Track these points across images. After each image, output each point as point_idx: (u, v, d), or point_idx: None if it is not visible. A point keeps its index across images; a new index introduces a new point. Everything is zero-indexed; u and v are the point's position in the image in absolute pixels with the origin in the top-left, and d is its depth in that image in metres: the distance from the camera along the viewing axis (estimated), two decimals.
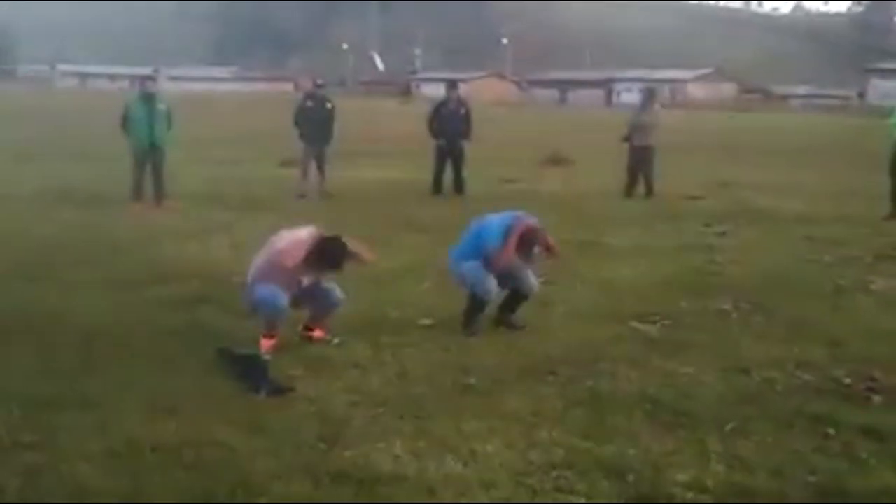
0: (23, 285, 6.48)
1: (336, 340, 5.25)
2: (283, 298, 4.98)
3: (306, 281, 5.13)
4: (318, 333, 5.28)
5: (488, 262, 5.45)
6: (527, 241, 5.41)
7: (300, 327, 5.31)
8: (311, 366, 4.76)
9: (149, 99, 10.43)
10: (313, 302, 5.27)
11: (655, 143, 12.76)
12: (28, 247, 8.03)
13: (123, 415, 3.98)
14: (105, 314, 5.75)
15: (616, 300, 6.45)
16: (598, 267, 7.66)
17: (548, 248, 5.64)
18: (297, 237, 5.03)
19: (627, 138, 12.87)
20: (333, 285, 5.29)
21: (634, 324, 5.75)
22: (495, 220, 5.53)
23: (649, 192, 12.57)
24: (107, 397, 4.21)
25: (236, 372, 4.54)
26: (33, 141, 20.26)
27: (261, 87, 71.29)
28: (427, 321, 5.66)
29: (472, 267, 5.51)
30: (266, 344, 4.95)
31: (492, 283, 5.49)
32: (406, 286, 6.77)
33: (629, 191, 12.62)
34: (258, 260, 5.14)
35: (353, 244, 5.08)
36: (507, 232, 5.37)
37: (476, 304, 5.53)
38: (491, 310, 5.67)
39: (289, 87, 77.66)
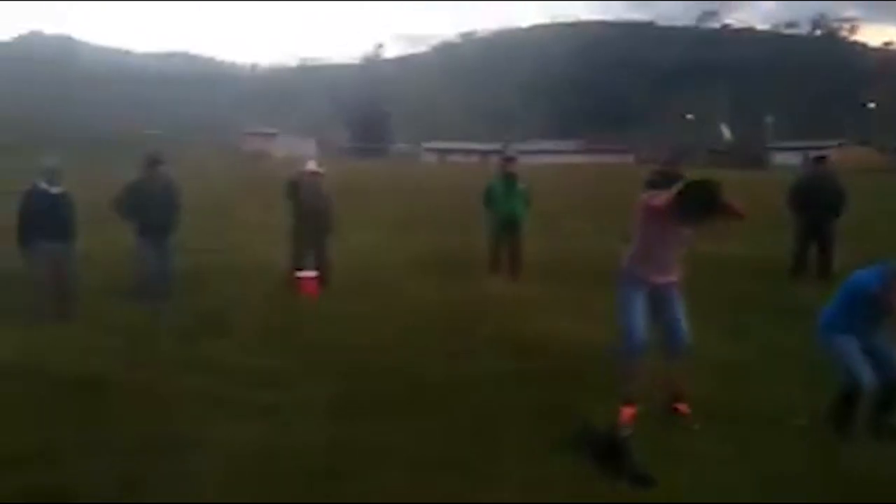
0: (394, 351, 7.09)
1: (697, 426, 5.08)
2: (641, 329, 4.93)
3: (676, 246, 5.04)
4: (683, 408, 5.16)
5: (862, 316, 4.93)
6: None
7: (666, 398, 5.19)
8: (670, 457, 4.63)
9: (509, 178, 11.10)
10: (664, 325, 5.14)
11: None
12: (403, 314, 8.82)
13: (492, 483, 4.18)
14: (461, 383, 6.10)
15: None
16: None
17: None
18: None
19: None
20: (682, 318, 5.13)
21: None
22: (868, 269, 5.01)
23: None
24: (469, 462, 4.47)
25: (596, 453, 4.55)
26: (403, 212, 22.56)
27: (604, 158, 72.50)
28: (798, 420, 5.23)
29: (844, 343, 4.98)
30: (626, 413, 4.92)
31: (868, 372, 4.91)
32: (760, 376, 6.36)
33: None
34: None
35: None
36: (885, 275, 4.81)
37: (848, 395, 4.99)
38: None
39: (630, 158, 77.98)
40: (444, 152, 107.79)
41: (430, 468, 4.43)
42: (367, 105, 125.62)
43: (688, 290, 5.43)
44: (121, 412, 5.34)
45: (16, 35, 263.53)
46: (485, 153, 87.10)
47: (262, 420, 5.27)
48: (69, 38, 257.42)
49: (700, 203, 4.68)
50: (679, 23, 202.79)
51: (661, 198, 4.88)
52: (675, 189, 4.78)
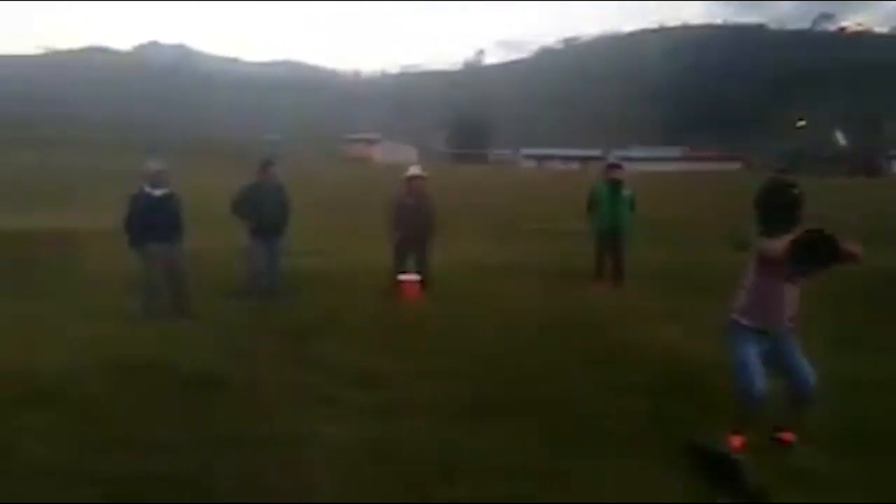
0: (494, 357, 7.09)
1: (801, 447, 4.85)
2: (760, 381, 4.73)
3: (792, 291, 4.85)
4: (786, 436, 4.92)
5: None
6: None
7: (772, 429, 4.99)
8: (787, 477, 4.43)
9: (614, 184, 10.95)
10: (785, 371, 4.92)
11: None
12: (505, 319, 8.82)
13: (597, 490, 4.12)
14: (566, 389, 6.04)
15: None
16: None
17: None
18: None
19: None
20: (804, 365, 4.90)
21: None
22: None
23: None
24: (573, 469, 4.41)
25: (704, 468, 4.42)
26: (503, 217, 22.57)
27: (710, 166, 70.65)
28: None
29: None
30: (735, 441, 4.74)
31: None
32: (886, 395, 6.00)
33: None
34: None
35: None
36: None
37: None
38: None
39: (737, 165, 75.70)
40: (542, 158, 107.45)
41: (533, 474, 4.40)
42: (467, 111, 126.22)
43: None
44: (233, 408, 5.52)
45: (135, 45, 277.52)
46: (585, 159, 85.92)
47: (369, 420, 5.34)
48: (183, 47, 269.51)
49: (816, 253, 4.47)
50: (792, 26, 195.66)
51: (776, 247, 4.73)
52: (790, 238, 4.61)
